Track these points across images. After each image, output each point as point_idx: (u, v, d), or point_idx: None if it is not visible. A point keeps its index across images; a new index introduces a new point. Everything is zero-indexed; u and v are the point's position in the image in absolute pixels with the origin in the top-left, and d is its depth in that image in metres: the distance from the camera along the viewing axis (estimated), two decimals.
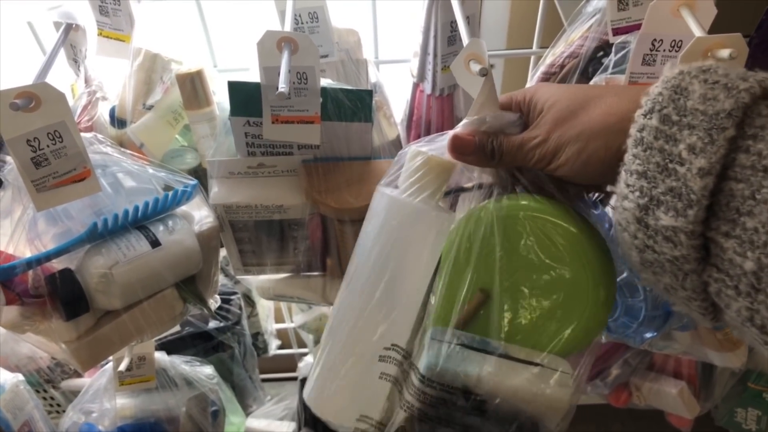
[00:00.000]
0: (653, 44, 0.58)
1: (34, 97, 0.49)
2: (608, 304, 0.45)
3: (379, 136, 0.65)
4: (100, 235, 0.58)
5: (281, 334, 1.40)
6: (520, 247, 0.45)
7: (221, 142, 0.67)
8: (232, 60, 0.83)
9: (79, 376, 1.20)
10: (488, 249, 0.46)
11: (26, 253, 0.59)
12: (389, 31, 0.86)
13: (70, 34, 0.68)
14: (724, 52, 0.47)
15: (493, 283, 0.46)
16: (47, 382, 1.14)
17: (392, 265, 0.48)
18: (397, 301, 0.48)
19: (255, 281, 0.84)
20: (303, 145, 0.65)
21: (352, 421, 0.50)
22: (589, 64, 0.74)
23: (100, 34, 0.69)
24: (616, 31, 0.69)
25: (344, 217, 0.64)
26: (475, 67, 0.46)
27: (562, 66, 0.76)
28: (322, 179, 0.65)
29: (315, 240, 0.72)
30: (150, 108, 0.71)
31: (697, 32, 0.50)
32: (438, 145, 0.49)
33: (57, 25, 0.68)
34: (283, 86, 0.49)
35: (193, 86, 0.69)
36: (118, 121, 0.72)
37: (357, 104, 0.60)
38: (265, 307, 1.22)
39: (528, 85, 0.85)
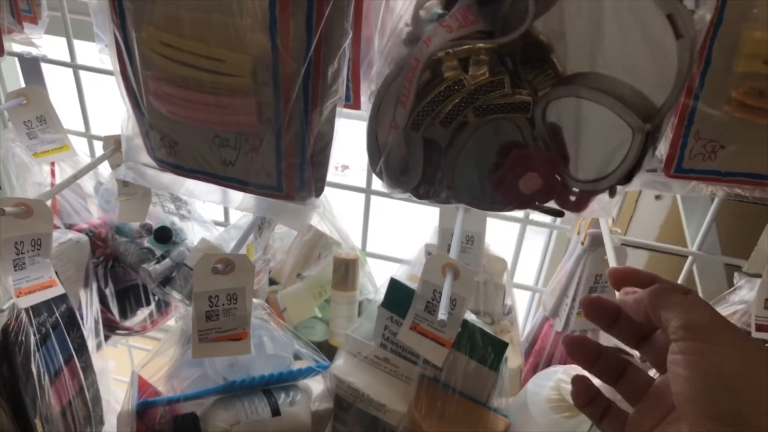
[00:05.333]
0: None
1: (231, 264, 0.57)
2: None
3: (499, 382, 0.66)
4: (232, 391, 0.62)
5: None
6: None
7: (362, 323, 0.71)
8: (381, 245, 0.90)
9: None
10: None
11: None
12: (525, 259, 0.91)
13: None
14: None
15: None
16: None
17: None
18: None
19: None
20: (427, 360, 0.67)
21: None
22: None
23: None
24: (760, 328, 0.69)
25: None
26: (637, 352, 0.49)
27: None
28: (430, 401, 0.66)
29: None
30: (302, 278, 0.78)
31: None
32: None
33: None
34: (443, 314, 0.53)
35: (345, 271, 0.76)
36: (270, 280, 0.79)
37: (489, 350, 0.63)
38: None
39: None
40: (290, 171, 0.49)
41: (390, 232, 1.04)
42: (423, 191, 0.46)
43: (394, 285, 0.66)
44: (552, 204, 0.46)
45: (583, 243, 0.74)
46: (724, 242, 0.89)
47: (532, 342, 0.85)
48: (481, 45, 0.38)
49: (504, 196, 0.44)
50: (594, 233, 0.73)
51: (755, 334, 0.69)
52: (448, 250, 0.70)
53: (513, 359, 0.75)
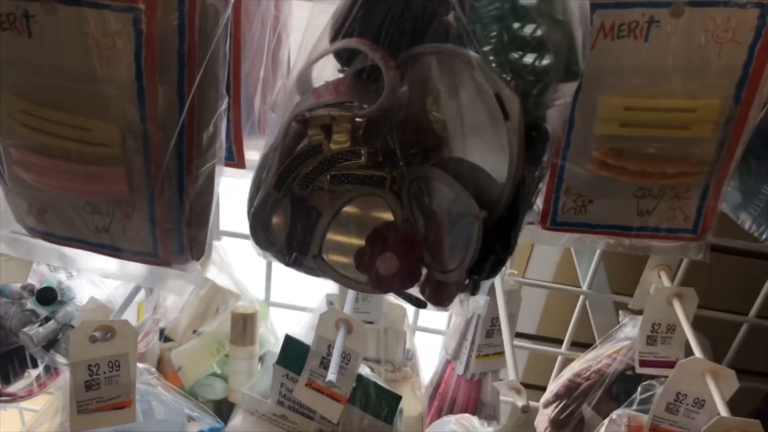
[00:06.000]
0: (677, 396, 0.62)
1: (111, 331, 0.54)
2: None
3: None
4: None
5: None
6: None
7: (260, 379, 0.70)
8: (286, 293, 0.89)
9: None
10: None
11: None
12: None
13: None
14: None
15: None
16: None
17: None
18: None
19: None
20: (324, 417, 0.67)
21: None
22: (614, 384, 0.77)
23: None
24: (643, 363, 0.72)
25: None
26: (518, 401, 0.50)
27: (587, 378, 0.80)
28: None
29: None
30: (199, 334, 0.76)
31: (721, 409, 0.53)
32: None
33: None
34: (332, 375, 0.53)
35: (244, 325, 0.74)
36: (165, 337, 0.76)
37: (384, 404, 0.63)
38: None
39: (552, 380, 0.88)
40: (165, 237, 0.48)
41: (295, 279, 1.03)
42: (291, 258, 0.45)
43: (289, 341, 0.65)
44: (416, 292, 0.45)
45: None
46: (613, 280, 0.94)
47: (437, 385, 0.86)
48: (334, 113, 0.38)
49: (365, 274, 0.43)
50: None
51: (639, 370, 0.73)
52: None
53: (413, 407, 0.76)
